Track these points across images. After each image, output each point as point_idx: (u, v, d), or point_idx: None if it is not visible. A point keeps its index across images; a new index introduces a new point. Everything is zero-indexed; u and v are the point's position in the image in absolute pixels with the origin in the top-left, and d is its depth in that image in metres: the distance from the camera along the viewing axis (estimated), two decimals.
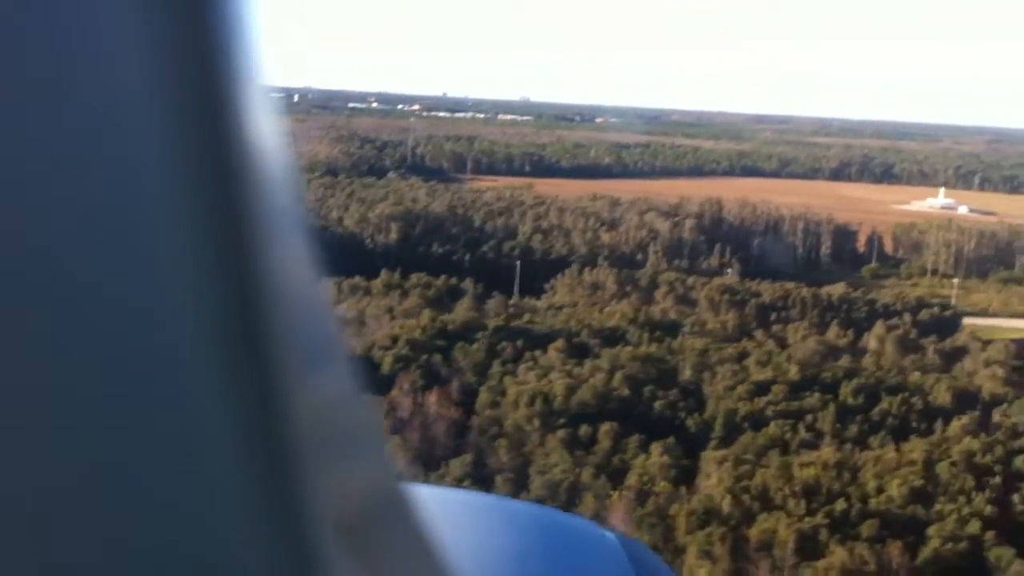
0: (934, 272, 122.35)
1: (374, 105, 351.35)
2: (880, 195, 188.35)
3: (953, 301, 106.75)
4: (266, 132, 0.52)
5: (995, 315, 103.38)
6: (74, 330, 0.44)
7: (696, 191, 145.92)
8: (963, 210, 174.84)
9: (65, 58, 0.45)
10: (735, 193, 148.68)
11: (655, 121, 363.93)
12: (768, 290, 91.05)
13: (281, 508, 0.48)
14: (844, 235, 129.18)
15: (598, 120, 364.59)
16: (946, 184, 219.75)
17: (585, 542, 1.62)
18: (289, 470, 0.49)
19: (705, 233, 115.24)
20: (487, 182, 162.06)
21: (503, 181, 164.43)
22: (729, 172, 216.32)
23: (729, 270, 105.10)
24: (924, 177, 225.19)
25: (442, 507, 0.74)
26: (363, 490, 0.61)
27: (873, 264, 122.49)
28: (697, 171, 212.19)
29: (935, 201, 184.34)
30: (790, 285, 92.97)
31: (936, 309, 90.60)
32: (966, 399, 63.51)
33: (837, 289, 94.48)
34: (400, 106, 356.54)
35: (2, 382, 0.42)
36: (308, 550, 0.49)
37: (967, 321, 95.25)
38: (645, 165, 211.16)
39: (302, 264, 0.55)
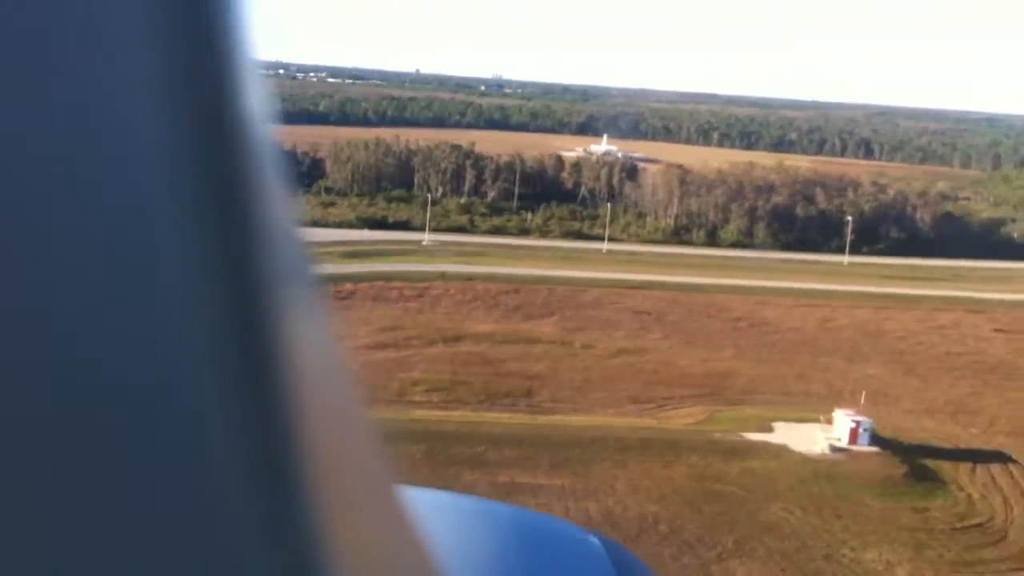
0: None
1: (280, 72, 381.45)
2: (574, 143, 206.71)
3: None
4: (260, 115, 0.52)
5: None
6: (78, 329, 0.43)
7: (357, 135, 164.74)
8: (619, 155, 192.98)
9: (63, 50, 0.45)
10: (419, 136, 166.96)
11: (551, 92, 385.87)
12: None
13: (280, 509, 0.49)
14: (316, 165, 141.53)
15: (507, 90, 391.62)
16: (688, 140, 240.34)
17: (567, 545, 1.63)
18: (287, 470, 0.49)
19: None
20: None
21: None
22: (473, 124, 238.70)
23: None
24: (667, 133, 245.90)
25: (421, 509, 0.72)
26: (355, 482, 0.60)
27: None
28: (439, 123, 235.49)
29: (597, 148, 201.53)
30: None
31: None
32: None
33: None
34: (311, 75, 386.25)
35: (7, 379, 0.42)
36: (305, 549, 0.49)
37: None
38: (395, 113, 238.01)
39: (295, 248, 0.55)
